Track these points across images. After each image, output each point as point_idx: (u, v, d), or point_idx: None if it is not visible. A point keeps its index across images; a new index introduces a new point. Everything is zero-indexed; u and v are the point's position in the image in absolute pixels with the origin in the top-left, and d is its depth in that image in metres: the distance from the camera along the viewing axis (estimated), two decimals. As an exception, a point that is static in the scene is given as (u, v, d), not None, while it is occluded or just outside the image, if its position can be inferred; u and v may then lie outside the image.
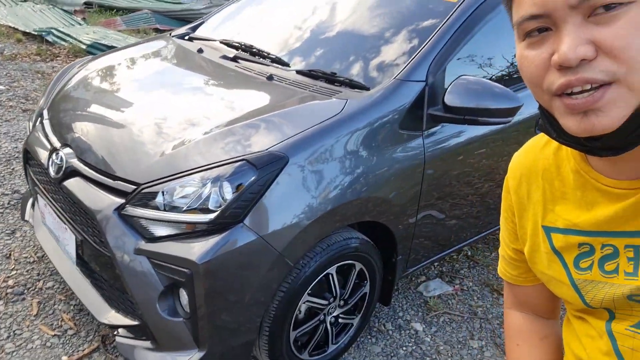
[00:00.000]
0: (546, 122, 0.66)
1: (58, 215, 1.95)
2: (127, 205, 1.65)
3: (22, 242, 2.63)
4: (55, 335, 2.08)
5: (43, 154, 2.05)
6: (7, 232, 2.68)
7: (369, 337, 2.25)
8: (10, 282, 2.33)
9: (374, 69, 2.06)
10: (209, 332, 1.60)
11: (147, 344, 1.70)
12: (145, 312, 1.63)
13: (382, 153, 1.83)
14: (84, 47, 6.19)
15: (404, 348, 2.22)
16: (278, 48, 2.38)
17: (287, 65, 2.23)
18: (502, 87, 1.83)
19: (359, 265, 1.95)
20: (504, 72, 2.25)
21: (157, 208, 1.61)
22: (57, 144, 2.00)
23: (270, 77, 2.10)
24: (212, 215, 1.55)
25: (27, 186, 2.33)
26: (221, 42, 2.56)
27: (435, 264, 2.79)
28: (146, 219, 1.62)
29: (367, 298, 2.06)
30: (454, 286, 2.65)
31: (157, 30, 7.84)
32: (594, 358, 0.76)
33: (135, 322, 1.70)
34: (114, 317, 1.77)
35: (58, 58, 6.04)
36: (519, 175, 0.84)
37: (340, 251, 1.80)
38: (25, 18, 7.51)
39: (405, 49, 2.05)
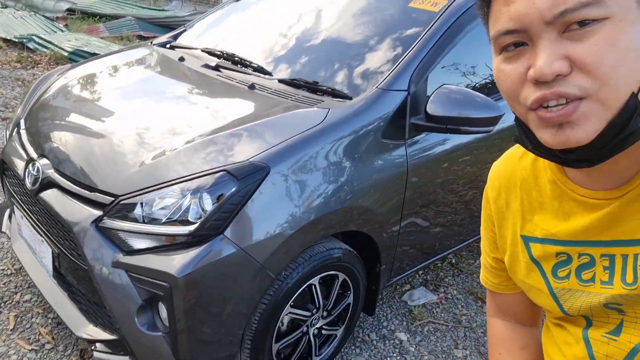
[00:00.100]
0: (522, 134, 0.67)
1: (34, 227, 1.91)
2: (105, 218, 1.62)
3: (-1, 254, 2.57)
4: (32, 349, 2.03)
5: (19, 165, 2.00)
6: (-17, 243, 2.62)
7: (353, 347, 2.23)
8: (-14, 296, 2.28)
9: (356, 78, 2.06)
10: (189, 347, 1.57)
11: (126, 359, 1.67)
12: (124, 326, 1.59)
13: (365, 162, 1.82)
14: (65, 54, 6.12)
15: (389, 358, 2.20)
16: (260, 57, 2.36)
17: (270, 74, 2.22)
18: (484, 97, 1.84)
19: (342, 276, 1.93)
20: (486, 81, 2.26)
21: (135, 220, 1.58)
22: (34, 155, 1.96)
23: (252, 86, 2.08)
24: (191, 227, 1.52)
25: (4, 197, 2.29)
26: (203, 51, 2.53)
27: (420, 272, 2.79)
28: (124, 231, 1.58)
29: (350, 308, 2.05)
30: (438, 294, 2.65)
31: (140, 37, 7.79)
32: None
33: (114, 337, 1.67)
34: (92, 331, 1.73)
35: (39, 65, 5.96)
36: (497, 185, 0.85)
37: (323, 262, 1.78)
38: (6, 25, 7.41)
39: (387, 58, 2.05)
